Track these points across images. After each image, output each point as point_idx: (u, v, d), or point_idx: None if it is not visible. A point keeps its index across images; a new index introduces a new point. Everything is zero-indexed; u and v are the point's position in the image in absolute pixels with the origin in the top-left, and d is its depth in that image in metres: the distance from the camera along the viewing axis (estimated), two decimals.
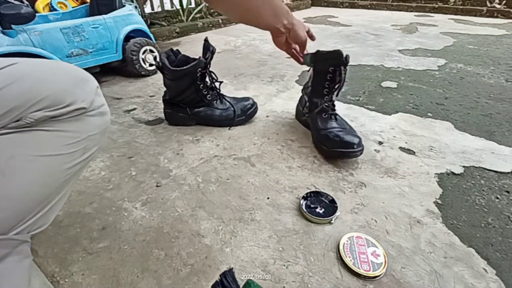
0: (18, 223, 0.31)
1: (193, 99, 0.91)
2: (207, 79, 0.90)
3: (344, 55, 0.75)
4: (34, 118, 0.32)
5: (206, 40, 0.88)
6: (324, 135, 0.78)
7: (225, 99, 0.96)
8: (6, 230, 0.30)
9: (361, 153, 0.74)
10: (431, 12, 3.20)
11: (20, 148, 0.31)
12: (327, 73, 0.79)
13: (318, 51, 0.79)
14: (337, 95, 0.81)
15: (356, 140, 0.73)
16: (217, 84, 0.94)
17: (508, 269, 0.50)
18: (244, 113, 0.95)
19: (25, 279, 0.32)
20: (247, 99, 0.98)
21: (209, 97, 0.92)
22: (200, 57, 0.85)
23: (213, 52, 0.86)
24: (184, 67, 0.83)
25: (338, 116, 0.82)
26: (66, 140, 0.35)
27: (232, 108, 0.94)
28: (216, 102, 0.94)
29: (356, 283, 0.47)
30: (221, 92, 0.98)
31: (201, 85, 0.88)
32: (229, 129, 0.93)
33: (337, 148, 0.74)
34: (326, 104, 0.81)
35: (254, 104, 0.98)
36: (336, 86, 0.79)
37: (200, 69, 0.85)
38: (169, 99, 0.93)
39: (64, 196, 0.38)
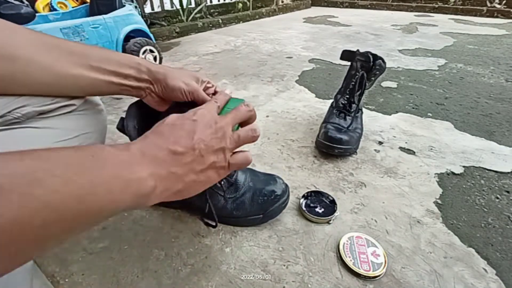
0: None
1: None
2: None
3: (384, 66, 0.80)
4: (21, 113, 0.31)
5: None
6: (322, 126, 0.82)
7: (237, 182, 0.57)
8: None
9: (342, 152, 0.75)
10: (431, 12, 3.20)
11: (9, 145, 0.31)
12: (357, 75, 0.81)
13: (367, 52, 0.81)
14: (358, 101, 0.83)
15: (340, 138, 0.74)
16: None
17: (508, 269, 0.50)
18: (261, 208, 0.56)
19: (28, 280, 0.33)
20: (273, 180, 0.60)
21: None
22: None
23: None
24: None
25: (350, 117, 0.82)
26: (56, 137, 0.34)
27: (247, 196, 0.57)
28: (222, 184, 0.56)
29: (356, 283, 0.47)
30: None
31: None
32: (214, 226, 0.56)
33: (321, 139, 0.77)
34: (343, 102, 0.84)
35: (284, 192, 0.58)
36: (359, 91, 0.82)
37: None
38: None
39: None
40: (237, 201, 0.56)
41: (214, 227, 0.56)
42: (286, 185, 0.60)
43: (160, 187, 0.26)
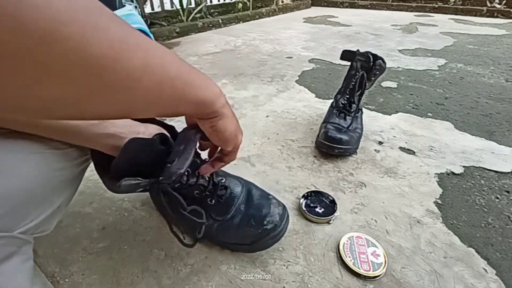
0: (21, 221, 0.31)
1: (186, 194, 0.46)
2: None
3: (384, 66, 0.80)
4: None
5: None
6: (322, 126, 0.82)
7: (227, 203, 0.50)
8: (9, 228, 0.30)
9: (342, 152, 0.76)
10: (431, 12, 3.21)
11: (8, 146, 0.31)
12: (357, 75, 0.82)
13: (367, 52, 0.81)
14: (358, 101, 0.83)
15: (340, 138, 0.74)
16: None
17: (508, 269, 0.50)
18: (248, 237, 0.49)
19: (28, 280, 0.32)
20: (268, 207, 0.50)
21: (197, 193, 0.48)
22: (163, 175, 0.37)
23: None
24: (126, 182, 0.36)
25: (350, 117, 0.82)
26: (45, 142, 0.34)
27: (235, 222, 0.49)
28: (210, 201, 0.49)
29: (356, 283, 0.47)
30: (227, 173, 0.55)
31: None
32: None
33: (321, 139, 0.77)
34: (343, 102, 0.84)
35: (276, 225, 0.48)
36: (359, 91, 0.82)
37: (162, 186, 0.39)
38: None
39: (65, 202, 0.38)
40: (223, 225, 0.50)
41: (191, 246, 0.46)
42: (282, 214, 0.50)
43: (223, 100, 0.33)
